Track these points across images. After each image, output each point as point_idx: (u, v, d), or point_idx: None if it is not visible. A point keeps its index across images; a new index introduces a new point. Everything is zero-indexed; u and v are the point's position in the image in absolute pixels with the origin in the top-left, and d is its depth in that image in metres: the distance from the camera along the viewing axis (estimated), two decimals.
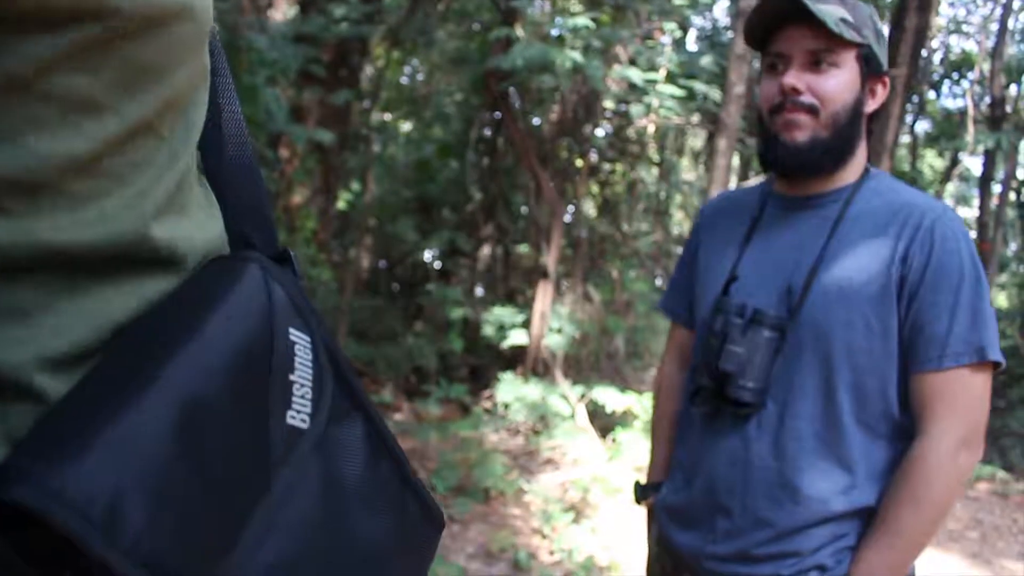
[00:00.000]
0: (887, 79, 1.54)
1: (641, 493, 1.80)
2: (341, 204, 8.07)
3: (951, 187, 14.40)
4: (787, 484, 1.45)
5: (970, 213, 14.81)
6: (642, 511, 1.88)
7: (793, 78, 1.45)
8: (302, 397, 0.51)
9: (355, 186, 8.31)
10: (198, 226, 0.52)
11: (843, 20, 1.43)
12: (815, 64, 1.46)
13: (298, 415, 0.51)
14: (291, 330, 0.52)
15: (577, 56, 5.05)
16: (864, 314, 1.42)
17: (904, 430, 1.45)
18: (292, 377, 0.51)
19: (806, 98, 1.45)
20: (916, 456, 1.39)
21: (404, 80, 9.80)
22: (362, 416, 0.58)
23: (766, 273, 1.53)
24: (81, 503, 0.35)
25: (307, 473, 0.50)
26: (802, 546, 1.45)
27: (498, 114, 7.08)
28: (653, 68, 5.76)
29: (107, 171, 0.43)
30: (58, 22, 0.39)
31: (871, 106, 1.54)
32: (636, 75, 5.24)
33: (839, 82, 1.46)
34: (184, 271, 0.50)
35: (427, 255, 8.59)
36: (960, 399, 1.40)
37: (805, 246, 1.50)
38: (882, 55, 1.52)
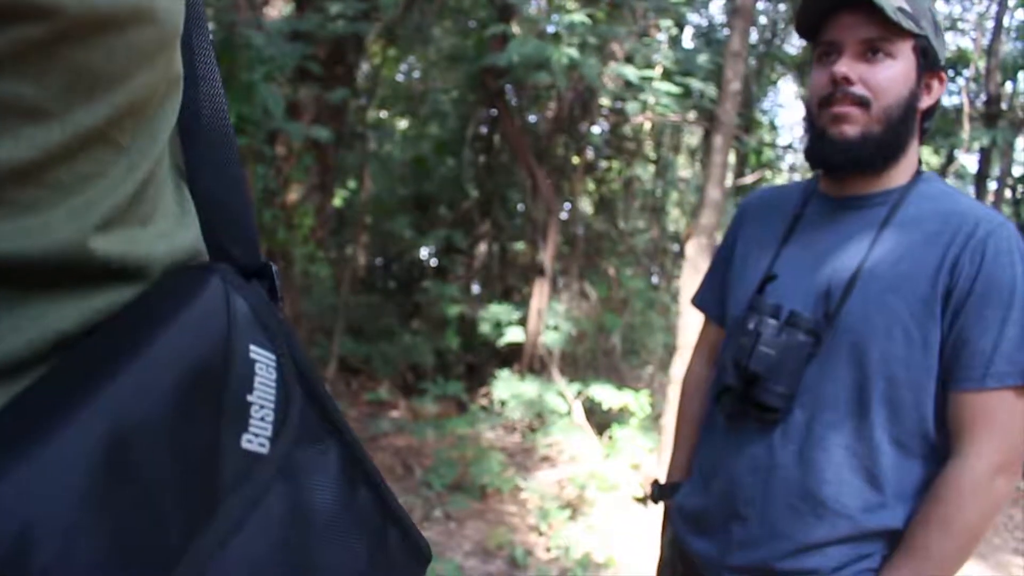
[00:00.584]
0: (944, 75, 1.48)
1: (659, 493, 1.75)
2: (338, 201, 8.07)
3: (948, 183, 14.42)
4: (810, 496, 1.39)
5: None
6: (651, 511, 1.86)
7: (845, 66, 1.39)
8: (261, 419, 0.48)
9: (352, 184, 8.31)
10: (161, 236, 0.49)
11: (901, 9, 1.37)
12: (870, 54, 1.39)
13: (255, 439, 0.47)
14: (252, 347, 0.49)
15: (573, 53, 5.04)
16: (905, 324, 1.35)
17: (938, 451, 1.38)
18: (250, 398, 0.47)
19: (858, 89, 1.39)
20: (950, 478, 1.32)
21: (400, 78, 9.79)
22: (337, 441, 0.54)
23: (804, 274, 1.47)
24: None
25: (266, 502, 0.46)
26: (822, 564, 1.39)
27: (494, 111, 7.07)
28: (649, 65, 5.76)
29: (53, 181, 0.40)
30: None
31: (926, 102, 1.47)
32: (632, 73, 5.24)
33: (894, 74, 1.39)
34: (145, 283, 0.47)
35: (424, 252, 8.58)
36: (1000, 422, 1.32)
37: (848, 249, 1.44)
38: (940, 49, 1.45)
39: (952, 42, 11.95)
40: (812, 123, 1.47)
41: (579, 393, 5.74)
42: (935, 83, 1.47)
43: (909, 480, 1.38)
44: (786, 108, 17.04)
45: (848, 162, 1.43)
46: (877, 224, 1.43)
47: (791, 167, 10.16)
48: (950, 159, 12.63)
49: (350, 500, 0.53)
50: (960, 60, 11.29)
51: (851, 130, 1.40)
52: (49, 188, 0.40)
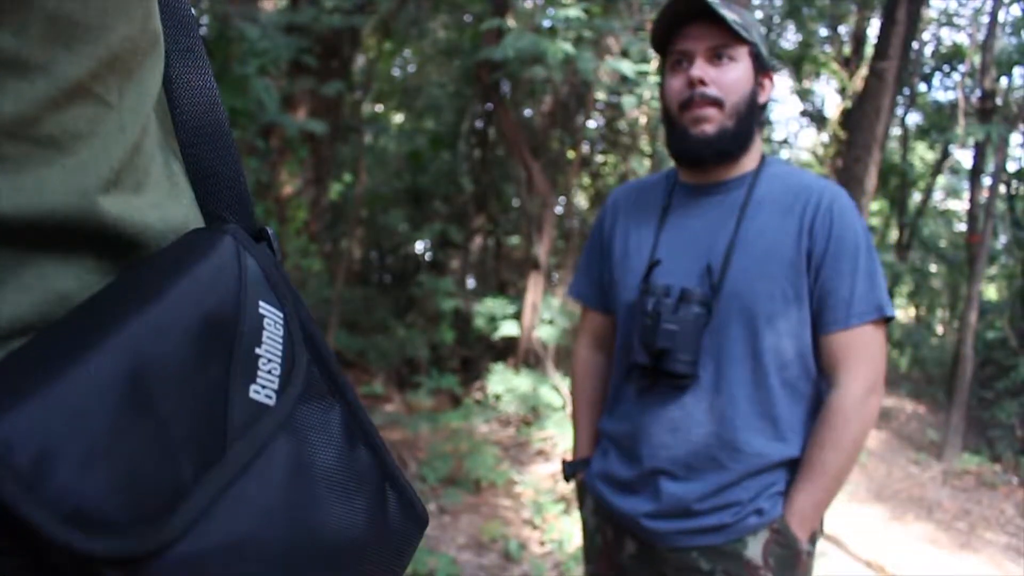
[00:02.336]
0: (772, 75, 1.72)
1: (571, 470, 1.90)
2: (333, 195, 8.06)
3: (942, 179, 14.43)
4: (725, 443, 1.60)
5: (960, 206, 14.86)
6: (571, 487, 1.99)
7: (699, 70, 1.61)
8: (268, 372, 0.49)
9: (347, 177, 8.29)
10: (155, 205, 0.50)
11: (735, 21, 1.60)
12: (716, 59, 1.62)
13: (263, 390, 0.48)
14: (262, 303, 0.51)
15: (568, 47, 5.04)
16: (780, 284, 1.59)
17: (817, 388, 1.64)
18: (258, 351, 0.49)
19: (711, 90, 1.61)
20: (834, 405, 1.56)
21: (396, 71, 9.77)
22: (340, 401, 0.55)
23: (684, 255, 1.67)
24: (1, 451, 0.34)
25: (270, 452, 0.48)
26: (741, 496, 1.59)
27: (489, 106, 7.07)
28: (645, 60, 5.76)
29: (43, 137, 0.41)
30: None
31: (763, 98, 1.70)
32: (627, 67, 5.24)
33: (738, 75, 1.63)
34: (138, 251, 0.48)
35: (419, 246, 8.58)
36: (866, 351, 1.59)
37: (717, 228, 1.65)
38: (766, 55, 1.69)
39: (948, 37, 11.94)
40: (673, 124, 1.68)
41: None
42: (767, 82, 1.71)
43: (799, 414, 1.62)
44: (780, 103, 17.04)
45: (712, 155, 1.64)
46: (738, 205, 1.66)
47: (786, 161, 10.16)
48: (945, 155, 12.64)
49: (351, 458, 0.55)
50: (955, 55, 11.29)
51: (710, 128, 1.62)
52: (41, 144, 0.41)
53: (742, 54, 1.63)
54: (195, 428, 0.43)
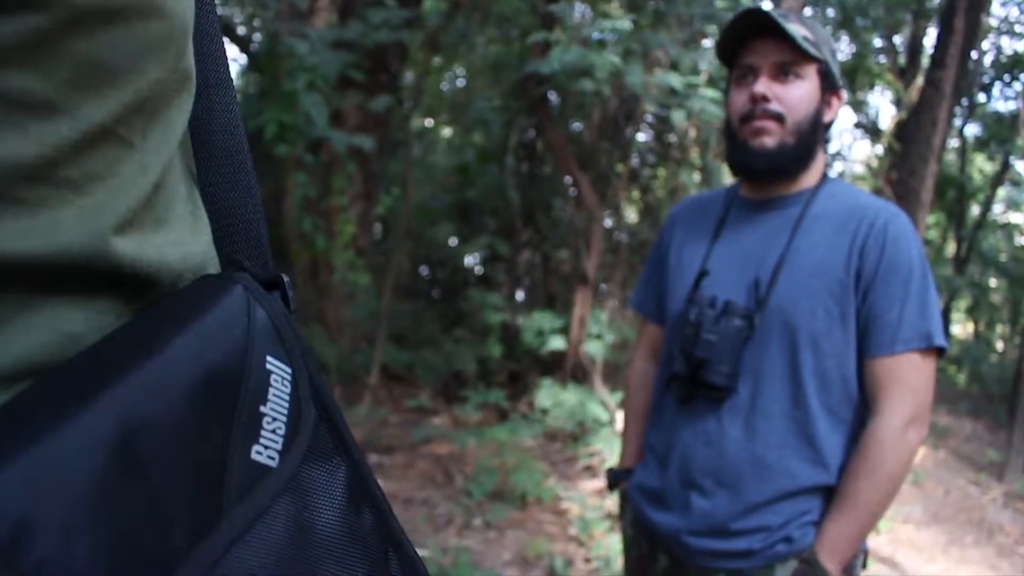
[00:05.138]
0: (842, 93, 1.71)
1: (615, 479, 1.91)
2: (381, 209, 8.11)
3: (1002, 192, 14.08)
4: (758, 461, 1.58)
5: (1022, 218, 14.48)
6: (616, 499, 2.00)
7: (763, 86, 1.60)
8: (273, 432, 0.47)
9: (395, 191, 8.35)
10: (176, 243, 0.49)
11: (806, 38, 1.59)
12: (782, 75, 1.61)
13: (265, 451, 0.46)
14: (269, 359, 0.48)
15: (615, 59, 5.01)
16: (825, 304, 1.56)
17: (860, 414, 1.60)
18: (263, 409, 0.47)
19: (774, 106, 1.60)
20: (871, 435, 1.52)
21: (444, 86, 9.83)
22: (346, 461, 0.53)
23: (734, 268, 1.67)
24: None
25: (270, 517, 0.46)
26: (771, 521, 1.57)
27: (537, 119, 7.06)
28: (695, 72, 5.70)
29: (62, 179, 0.40)
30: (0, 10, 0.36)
31: (828, 116, 1.69)
32: (676, 80, 5.19)
33: (803, 92, 1.61)
34: (156, 290, 0.47)
35: (468, 260, 8.59)
36: (909, 381, 1.54)
37: (770, 243, 1.65)
38: (837, 72, 1.68)
39: (1008, 46, 11.68)
40: (733, 137, 1.68)
41: (621, 402, 5.69)
42: (835, 100, 1.70)
43: (839, 440, 1.58)
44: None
45: (768, 169, 1.64)
46: (793, 221, 1.64)
47: (840, 174, 10.00)
48: (1005, 166, 12.34)
49: (354, 522, 0.53)
50: (1016, 64, 11.04)
51: (770, 141, 1.61)
52: (58, 186, 0.40)
53: (809, 71, 1.62)
54: (190, 494, 0.41)
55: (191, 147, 0.55)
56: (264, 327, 0.49)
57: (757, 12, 1.59)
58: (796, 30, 1.58)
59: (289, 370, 0.50)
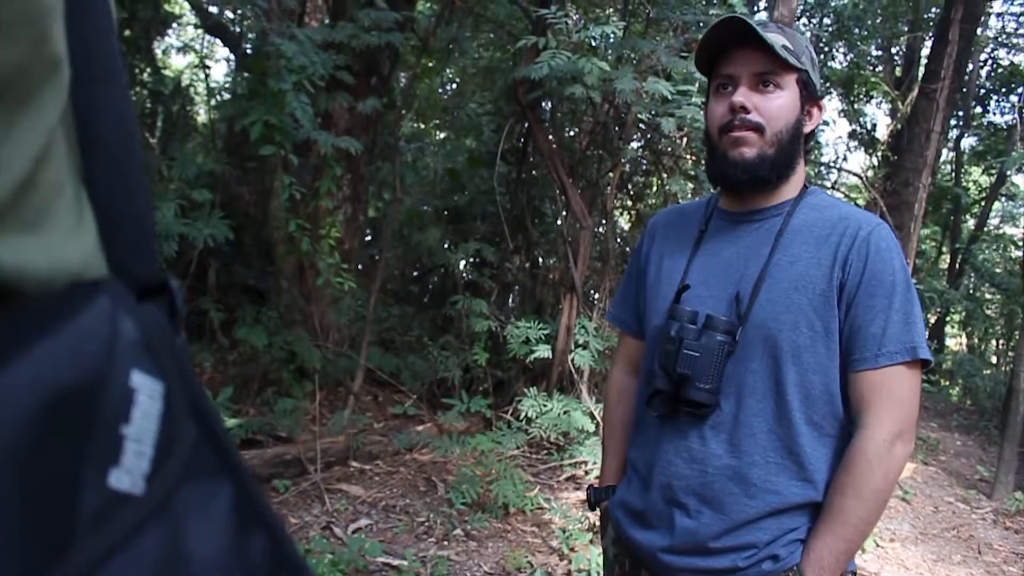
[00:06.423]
0: (822, 104, 1.69)
1: (595, 497, 1.89)
2: (371, 212, 8.05)
3: (997, 205, 14.05)
4: (742, 478, 1.54)
5: (1017, 231, 14.46)
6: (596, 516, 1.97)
7: (742, 96, 1.58)
8: (137, 454, 0.42)
9: (385, 195, 8.29)
10: (46, 247, 0.44)
11: (785, 47, 1.57)
12: (761, 85, 1.59)
13: (127, 476, 0.41)
14: (136, 374, 0.43)
15: (604, 65, 4.96)
16: (808, 317, 1.53)
17: (845, 429, 1.57)
18: (125, 430, 0.42)
19: (753, 116, 1.57)
20: (857, 449, 1.50)
21: (438, 89, 9.78)
22: (231, 482, 0.49)
23: (714, 282, 1.64)
24: None
25: (137, 545, 0.41)
26: (757, 538, 1.54)
27: (527, 124, 7.00)
28: (688, 80, 5.65)
29: None
30: None
31: (809, 127, 1.67)
32: (667, 88, 5.14)
33: (783, 103, 1.59)
34: (13, 299, 0.42)
35: (459, 265, 8.54)
36: (895, 394, 1.51)
37: (750, 256, 1.62)
38: (817, 82, 1.66)
39: (1005, 58, 11.66)
40: (713, 147, 1.65)
41: None
42: (815, 110, 1.68)
43: (824, 455, 1.56)
44: (829, 125, 16.79)
45: (747, 180, 1.61)
46: (774, 233, 1.62)
47: (833, 184, 9.96)
48: (1001, 179, 12.32)
49: (240, 547, 0.48)
50: (1013, 77, 11.02)
51: (749, 152, 1.59)
52: None
53: (789, 81, 1.60)
54: (32, 525, 0.36)
55: (77, 143, 0.50)
56: (131, 340, 0.44)
57: (735, 21, 1.56)
58: (775, 39, 1.56)
59: (161, 386, 0.45)
